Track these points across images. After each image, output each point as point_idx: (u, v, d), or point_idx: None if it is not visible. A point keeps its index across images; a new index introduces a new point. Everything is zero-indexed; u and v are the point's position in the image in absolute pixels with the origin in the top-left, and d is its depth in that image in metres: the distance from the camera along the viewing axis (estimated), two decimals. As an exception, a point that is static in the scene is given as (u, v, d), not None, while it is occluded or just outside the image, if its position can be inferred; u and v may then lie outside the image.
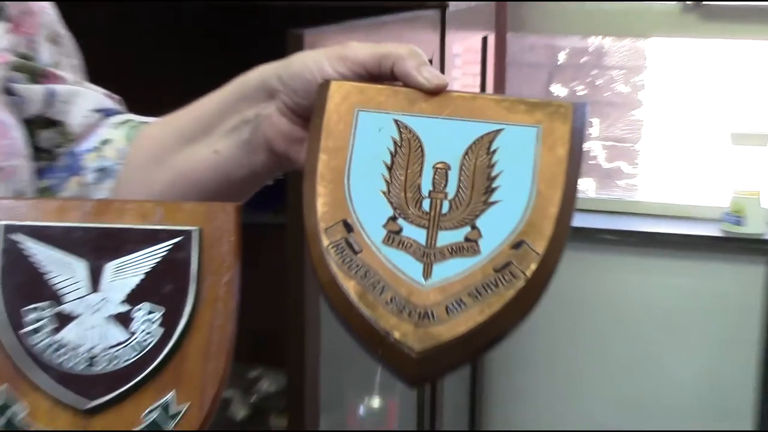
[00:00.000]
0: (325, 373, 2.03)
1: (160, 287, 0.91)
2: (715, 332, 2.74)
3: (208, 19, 2.33)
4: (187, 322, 0.90)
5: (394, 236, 0.93)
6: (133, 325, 0.90)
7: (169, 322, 0.90)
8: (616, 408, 2.81)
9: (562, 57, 3.04)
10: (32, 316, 0.90)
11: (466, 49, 2.44)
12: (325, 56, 1.01)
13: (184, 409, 0.89)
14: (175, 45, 2.33)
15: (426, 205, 0.94)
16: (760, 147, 2.73)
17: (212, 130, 1.10)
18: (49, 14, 1.20)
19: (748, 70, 2.88)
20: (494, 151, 0.95)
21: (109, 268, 0.92)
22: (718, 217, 2.76)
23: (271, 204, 1.63)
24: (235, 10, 2.22)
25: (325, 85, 0.99)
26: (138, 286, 0.91)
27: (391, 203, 0.94)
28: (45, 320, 0.90)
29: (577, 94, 3.02)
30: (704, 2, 2.77)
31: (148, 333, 0.90)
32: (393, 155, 0.96)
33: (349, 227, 0.94)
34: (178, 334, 0.90)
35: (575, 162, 0.95)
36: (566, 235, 0.93)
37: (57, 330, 0.90)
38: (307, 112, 1.01)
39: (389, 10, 2.05)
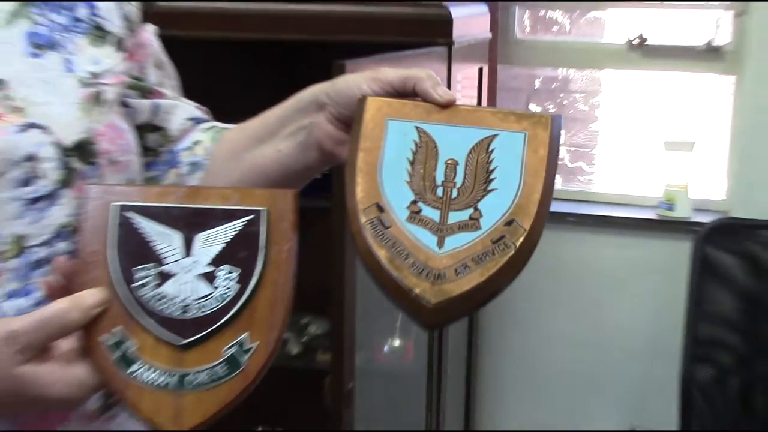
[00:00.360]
0: (359, 320, 2.02)
1: (237, 253, 0.91)
2: (652, 291, 2.73)
3: (275, 52, 2.32)
4: (257, 281, 0.90)
5: (415, 215, 0.93)
6: (217, 282, 0.90)
7: (243, 280, 0.90)
8: (576, 347, 2.80)
9: (537, 83, 3.02)
10: (140, 274, 0.91)
11: (465, 77, 2.43)
12: (362, 78, 1.00)
13: (255, 346, 0.89)
14: (250, 71, 2.32)
15: (439, 191, 0.94)
16: (687, 152, 2.71)
17: (276, 134, 1.09)
18: (155, 46, 1.20)
19: (677, 94, 2.86)
20: (492, 151, 0.95)
21: (199, 238, 0.92)
22: (655, 204, 2.74)
23: (320, 192, 1.62)
24: (294, 46, 2.21)
25: (362, 100, 0.98)
26: (220, 252, 0.91)
27: (413, 190, 0.94)
28: (150, 277, 0.90)
29: (549, 111, 3.01)
30: (645, 43, 2.75)
31: (227, 288, 0.90)
32: (414, 153, 0.95)
33: (380, 208, 0.93)
34: (250, 290, 0.90)
35: (553, 160, 0.95)
36: (546, 216, 0.93)
37: (159, 285, 0.90)
38: (349, 120, 1.00)
39: (409, 46, 2.04)
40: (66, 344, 0.89)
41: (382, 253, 0.91)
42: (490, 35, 2.62)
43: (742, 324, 2.42)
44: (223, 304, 0.89)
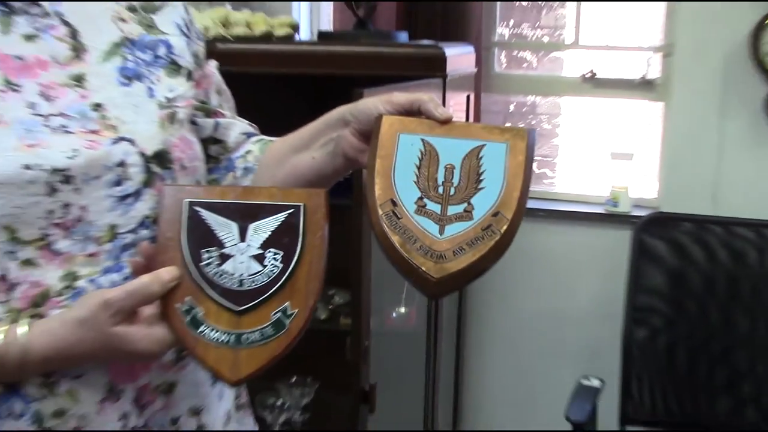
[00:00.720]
0: (374, 293, 2.01)
1: (281, 239, 0.90)
2: (601, 269, 2.71)
3: (307, 82, 2.31)
4: (296, 260, 0.90)
5: (421, 209, 0.92)
6: (266, 262, 0.90)
7: (286, 260, 0.90)
8: (541, 313, 2.79)
9: (511, 108, 3.00)
10: (206, 255, 0.90)
11: (456, 103, 2.41)
12: (378, 100, 1.00)
13: (295, 312, 0.89)
14: (288, 96, 2.31)
15: (440, 190, 0.93)
16: (627, 161, 2.71)
17: (310, 145, 1.08)
18: (217, 76, 1.19)
19: (620, 116, 2.85)
20: (481, 157, 0.94)
21: (251, 227, 0.91)
22: (603, 201, 2.72)
23: (343, 192, 1.60)
24: (322, 78, 2.20)
25: (379, 118, 0.98)
26: (268, 238, 0.91)
27: (419, 189, 0.93)
28: (213, 258, 0.90)
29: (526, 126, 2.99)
30: (595, 77, 2.74)
31: (274, 266, 0.90)
32: (420, 160, 0.94)
33: (394, 203, 0.93)
34: (291, 267, 0.90)
35: (529, 165, 0.94)
36: (524, 209, 0.92)
37: (220, 264, 0.90)
38: (368, 134, 0.99)
39: (413, 78, 2.03)
40: (149, 310, 0.89)
41: (395, 239, 0.90)
42: (475, 70, 2.60)
43: (670, 295, 2.41)
44: (270, 279, 0.89)
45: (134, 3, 1.05)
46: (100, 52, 0.99)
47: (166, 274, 0.88)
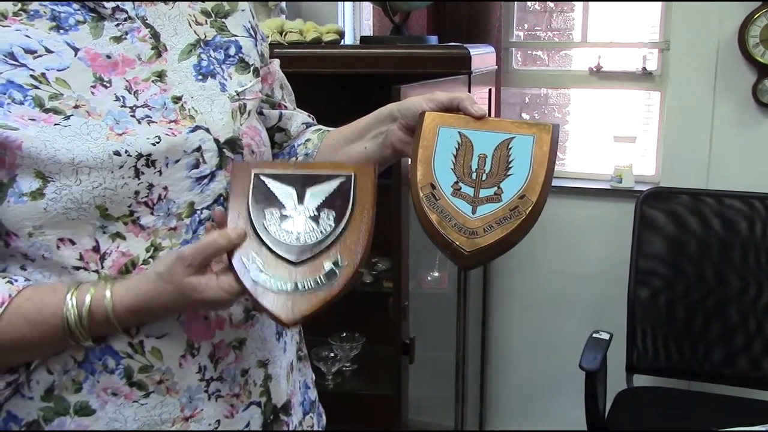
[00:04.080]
0: (411, 259, 2.01)
1: (335, 202, 0.90)
2: (608, 237, 2.68)
3: (352, 80, 2.30)
4: (347, 220, 0.89)
5: (457, 191, 0.91)
6: (320, 221, 0.90)
7: (338, 220, 0.89)
8: (557, 276, 2.77)
9: (527, 99, 2.97)
10: (269, 215, 0.91)
11: (479, 96, 2.38)
12: (423, 99, 0.99)
13: (345, 263, 0.88)
14: (336, 92, 2.30)
15: (474, 176, 0.92)
16: (630, 143, 2.67)
17: (363, 137, 1.08)
18: (280, 72, 1.19)
19: (623, 104, 2.80)
20: (510, 148, 0.93)
21: (309, 192, 0.91)
22: (609, 179, 2.69)
23: (386, 176, 1.60)
24: (365, 77, 2.19)
25: (422, 114, 0.97)
26: (323, 201, 0.91)
27: (455, 174, 0.92)
28: (275, 218, 0.90)
29: (536, 118, 2.95)
30: (601, 70, 2.70)
31: (328, 224, 0.89)
32: (457, 149, 0.93)
33: (433, 187, 0.92)
34: (342, 226, 0.89)
35: (553, 155, 0.93)
36: (548, 193, 0.91)
37: (281, 223, 0.90)
38: (413, 128, 0.98)
39: (443, 75, 2.02)
40: (218, 264, 0.89)
41: (433, 217, 0.90)
42: (495, 67, 2.58)
43: (668, 259, 2.38)
44: (324, 235, 0.88)
45: (208, 8, 1.04)
46: (178, 51, 0.98)
47: (232, 231, 0.88)
